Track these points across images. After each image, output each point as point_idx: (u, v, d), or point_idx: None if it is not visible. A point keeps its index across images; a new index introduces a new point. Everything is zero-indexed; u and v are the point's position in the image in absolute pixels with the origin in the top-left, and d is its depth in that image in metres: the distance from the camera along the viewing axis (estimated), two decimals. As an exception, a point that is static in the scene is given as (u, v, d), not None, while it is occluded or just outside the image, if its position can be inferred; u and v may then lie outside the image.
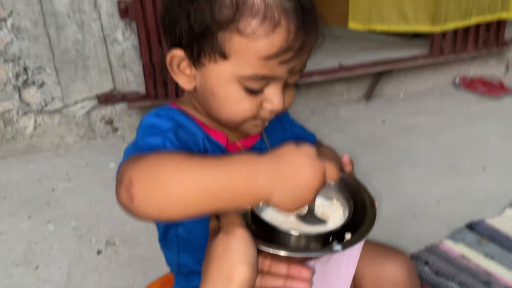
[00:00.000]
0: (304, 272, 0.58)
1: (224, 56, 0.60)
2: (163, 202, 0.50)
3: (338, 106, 2.44)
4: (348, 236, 0.58)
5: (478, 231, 1.38)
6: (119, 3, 1.89)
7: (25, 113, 1.93)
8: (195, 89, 0.67)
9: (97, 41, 1.92)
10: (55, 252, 1.37)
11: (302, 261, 0.59)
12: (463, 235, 1.37)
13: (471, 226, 1.40)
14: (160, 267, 0.94)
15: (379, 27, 2.33)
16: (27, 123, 1.95)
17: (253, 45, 0.58)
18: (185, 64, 0.65)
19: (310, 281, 0.59)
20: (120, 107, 2.06)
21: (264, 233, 0.56)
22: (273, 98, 0.64)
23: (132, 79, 2.04)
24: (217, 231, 0.55)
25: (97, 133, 2.08)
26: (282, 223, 0.58)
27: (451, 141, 2.00)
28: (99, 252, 1.36)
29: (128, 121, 2.10)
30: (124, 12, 1.90)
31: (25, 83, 1.89)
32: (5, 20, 1.78)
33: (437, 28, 2.34)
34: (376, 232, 1.47)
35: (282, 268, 0.59)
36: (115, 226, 1.46)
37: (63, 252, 1.37)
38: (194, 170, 0.50)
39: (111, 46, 1.96)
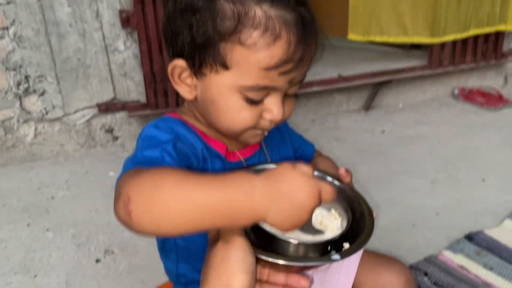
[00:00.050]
0: (302, 282, 0.58)
1: (225, 66, 0.61)
2: (161, 219, 0.50)
3: (337, 116, 2.45)
4: (346, 245, 0.58)
5: (477, 242, 1.39)
6: (120, 12, 1.90)
7: (25, 121, 1.94)
8: (195, 98, 0.68)
9: (99, 50, 1.94)
10: (54, 260, 1.37)
11: (301, 270, 0.60)
12: (462, 246, 1.37)
13: (470, 237, 1.40)
14: (159, 276, 0.94)
15: (378, 38, 2.35)
16: (28, 131, 1.96)
17: (254, 56, 0.59)
18: (186, 74, 0.66)
19: (308, 290, 0.59)
20: (121, 115, 2.07)
21: (263, 242, 0.56)
22: (273, 108, 0.65)
23: (133, 88, 2.05)
24: (216, 239, 0.56)
25: (97, 142, 2.08)
26: (281, 232, 0.58)
27: (450, 152, 2.01)
28: (97, 261, 1.36)
29: (128, 130, 2.11)
30: (125, 22, 1.92)
31: (26, 91, 1.90)
32: (7, 28, 1.80)
33: (436, 40, 2.35)
34: (375, 242, 1.47)
35: (280, 277, 0.59)
36: (114, 235, 1.46)
37: (62, 260, 1.37)
38: (192, 189, 0.50)
39: (112, 55, 1.97)
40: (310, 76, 0.67)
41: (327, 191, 0.52)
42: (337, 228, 0.62)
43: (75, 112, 2.00)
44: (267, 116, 0.65)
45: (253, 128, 0.67)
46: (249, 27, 0.58)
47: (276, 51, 0.59)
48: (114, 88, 2.02)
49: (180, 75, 0.67)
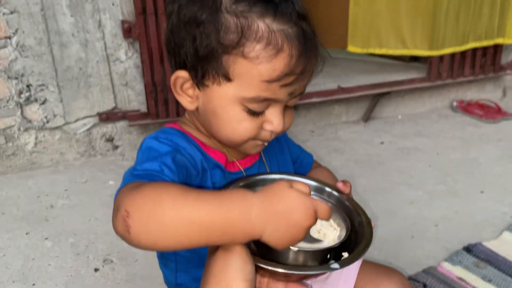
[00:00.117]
0: (301, 291, 0.59)
1: (227, 78, 0.62)
2: (158, 235, 0.52)
3: (336, 127, 2.46)
4: (345, 255, 0.59)
5: (476, 253, 1.39)
6: (123, 23, 1.92)
7: (26, 130, 1.95)
8: (197, 109, 0.69)
9: (100, 59, 1.95)
10: (52, 269, 1.37)
11: (300, 279, 0.60)
12: (461, 257, 1.37)
13: (469, 249, 1.41)
14: (158, 285, 0.94)
15: (378, 50, 2.37)
16: (28, 139, 1.96)
17: (256, 68, 0.60)
18: (188, 85, 0.67)
19: (307, 299, 0.59)
20: (121, 124, 2.08)
21: (262, 250, 0.57)
22: (274, 120, 0.66)
23: (134, 97, 2.06)
24: (216, 248, 0.56)
25: (97, 150, 2.09)
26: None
27: (449, 164, 2.01)
28: (96, 270, 1.36)
29: (128, 139, 2.12)
30: (127, 32, 1.94)
31: (28, 100, 1.91)
32: (10, 38, 1.81)
33: (434, 53, 2.38)
34: (374, 254, 1.47)
35: (279, 285, 0.59)
36: (113, 244, 1.46)
37: (60, 269, 1.37)
38: (189, 207, 0.51)
39: (113, 65, 1.98)
40: (309, 87, 0.68)
41: (323, 210, 0.53)
42: (336, 238, 0.63)
43: (76, 121, 2.01)
44: (268, 127, 0.66)
45: (253, 139, 0.68)
46: (252, 40, 0.60)
47: (278, 64, 0.60)
48: (115, 98, 2.03)
49: (182, 86, 0.68)
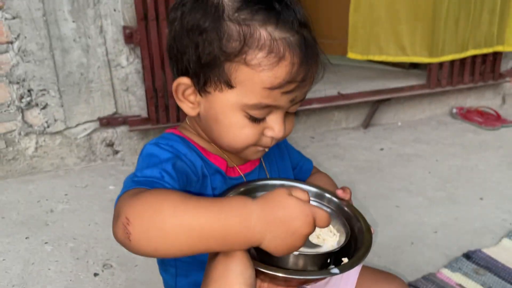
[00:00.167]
0: (301, 296, 0.59)
1: (229, 85, 0.63)
2: (159, 242, 0.52)
3: (336, 133, 2.46)
4: (345, 260, 0.59)
5: (475, 260, 1.39)
6: (124, 29, 1.94)
7: (27, 134, 1.95)
8: (198, 115, 0.70)
9: (101, 65, 1.96)
10: (52, 274, 1.37)
11: (300, 284, 0.60)
12: (461, 264, 1.37)
13: (468, 256, 1.41)
14: (158, 290, 0.94)
15: (378, 57, 2.39)
16: (29, 144, 1.97)
17: (258, 76, 0.61)
18: (190, 91, 0.68)
19: (307, 305, 0.60)
20: (121, 129, 2.09)
21: (262, 254, 0.57)
22: (275, 126, 0.66)
23: (134, 102, 2.07)
24: (217, 252, 0.57)
25: (98, 155, 2.09)
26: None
27: (448, 170, 2.02)
28: (96, 274, 1.36)
29: (129, 144, 2.12)
30: (129, 38, 1.95)
31: (29, 105, 1.92)
32: (12, 43, 1.82)
33: (434, 60, 2.39)
34: (374, 260, 1.47)
35: (280, 290, 0.60)
36: (113, 249, 1.46)
37: (60, 273, 1.37)
38: (189, 214, 0.52)
39: (115, 70, 1.99)
40: (309, 94, 0.69)
41: (322, 218, 0.54)
42: (336, 243, 0.63)
43: (77, 125, 2.01)
44: (269, 133, 0.67)
45: (254, 145, 0.68)
46: (254, 48, 0.60)
47: (279, 72, 0.61)
48: (115, 103, 2.04)
49: (184, 93, 0.68)
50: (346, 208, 0.69)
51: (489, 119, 2.55)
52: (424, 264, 1.38)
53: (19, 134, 1.94)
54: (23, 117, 1.92)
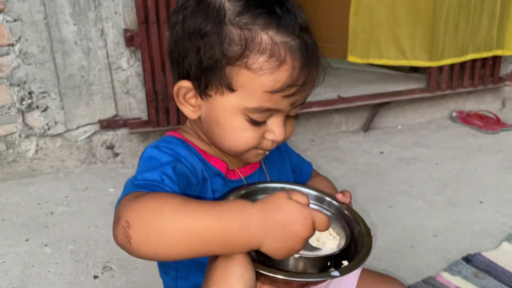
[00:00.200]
0: (301, 299, 0.59)
1: (231, 89, 0.63)
2: (159, 245, 0.53)
3: (336, 136, 2.47)
4: (345, 263, 0.59)
5: (475, 264, 1.39)
6: (125, 32, 1.94)
7: (27, 136, 1.96)
8: (199, 118, 0.70)
9: (102, 68, 1.97)
10: (52, 276, 1.37)
11: (300, 286, 0.61)
12: (460, 267, 1.37)
13: (468, 259, 1.41)
14: (157, 293, 0.94)
15: (377, 61, 2.39)
16: (29, 146, 1.97)
17: (259, 80, 0.61)
18: (191, 94, 0.68)
19: (307, 308, 0.60)
20: (122, 132, 2.09)
21: (262, 256, 0.57)
22: (276, 130, 0.67)
23: (135, 105, 2.07)
24: (217, 255, 0.57)
25: (98, 158, 2.09)
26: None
27: (448, 174, 2.02)
28: (95, 277, 1.36)
29: (129, 147, 2.13)
30: (129, 41, 1.95)
31: (29, 107, 1.92)
32: (13, 45, 1.83)
33: (434, 63, 2.39)
34: (374, 263, 1.47)
35: (280, 293, 0.60)
36: (113, 251, 1.46)
37: (60, 276, 1.37)
38: (189, 218, 0.52)
39: (115, 73, 2.00)
40: (310, 97, 0.69)
41: (321, 221, 0.54)
42: (335, 246, 0.63)
43: (77, 128, 2.01)
44: (269, 136, 0.67)
45: (255, 148, 0.69)
46: (255, 52, 0.61)
47: (280, 76, 0.61)
48: (116, 105, 2.04)
49: (185, 96, 0.68)
50: (346, 212, 0.69)
51: (489, 123, 2.55)
52: (424, 268, 1.38)
53: (20, 136, 1.94)
54: (23, 119, 1.93)
